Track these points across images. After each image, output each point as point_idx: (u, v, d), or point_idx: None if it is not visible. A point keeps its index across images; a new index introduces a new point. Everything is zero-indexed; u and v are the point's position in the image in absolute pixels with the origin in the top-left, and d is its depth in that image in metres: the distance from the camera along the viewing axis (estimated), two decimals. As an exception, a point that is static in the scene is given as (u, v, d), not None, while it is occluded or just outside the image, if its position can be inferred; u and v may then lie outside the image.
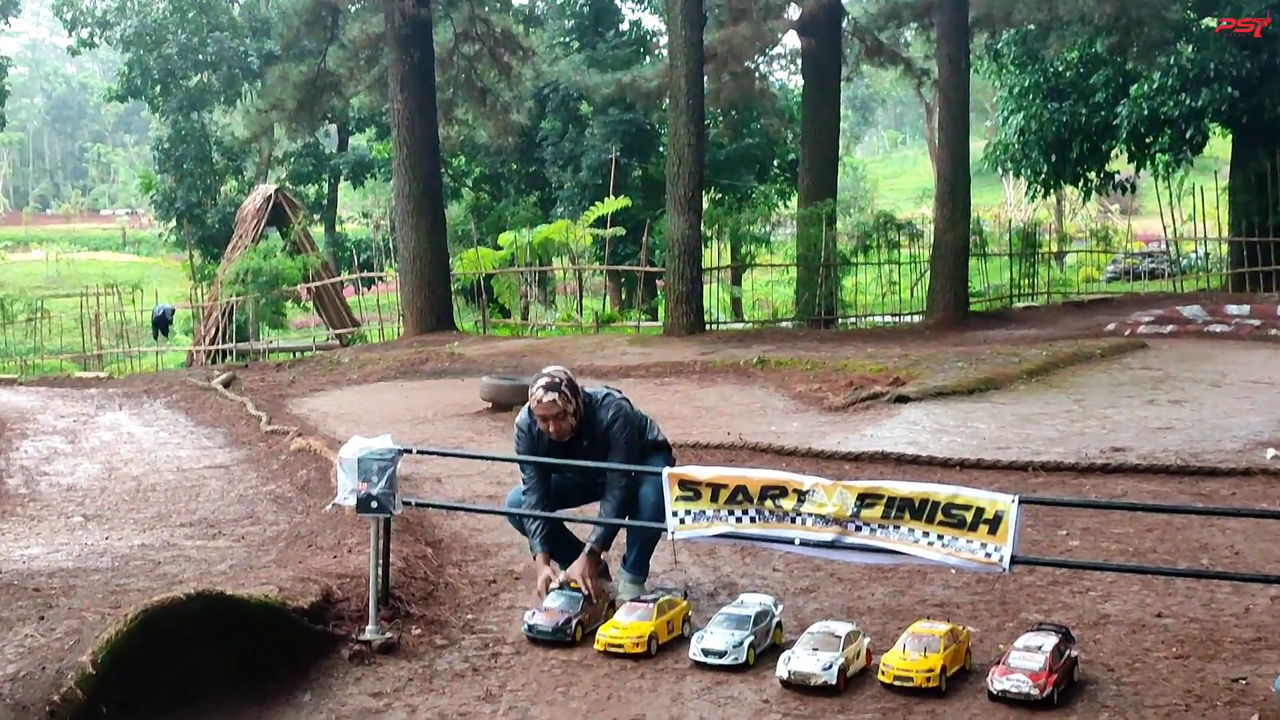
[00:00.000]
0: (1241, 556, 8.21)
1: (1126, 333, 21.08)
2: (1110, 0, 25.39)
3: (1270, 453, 11.28)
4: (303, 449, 12.50)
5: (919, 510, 6.09)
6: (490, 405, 15.48)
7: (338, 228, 52.04)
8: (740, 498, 6.49)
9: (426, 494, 10.41)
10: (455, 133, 35.19)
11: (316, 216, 47.44)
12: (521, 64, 31.25)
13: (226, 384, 19.28)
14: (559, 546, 7.58)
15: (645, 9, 44.32)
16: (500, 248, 32.53)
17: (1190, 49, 28.43)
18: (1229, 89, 27.81)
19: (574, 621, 6.84)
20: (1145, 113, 29.25)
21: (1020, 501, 6.01)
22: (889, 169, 65.54)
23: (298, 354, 29.16)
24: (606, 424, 7.43)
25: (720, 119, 37.69)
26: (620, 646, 6.62)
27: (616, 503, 7.33)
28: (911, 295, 30.39)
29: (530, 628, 6.89)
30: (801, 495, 6.33)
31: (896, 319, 28.18)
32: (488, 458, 11.36)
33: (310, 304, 37.65)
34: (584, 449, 7.43)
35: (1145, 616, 7.09)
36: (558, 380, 7.28)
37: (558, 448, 7.43)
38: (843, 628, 6.37)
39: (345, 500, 7.04)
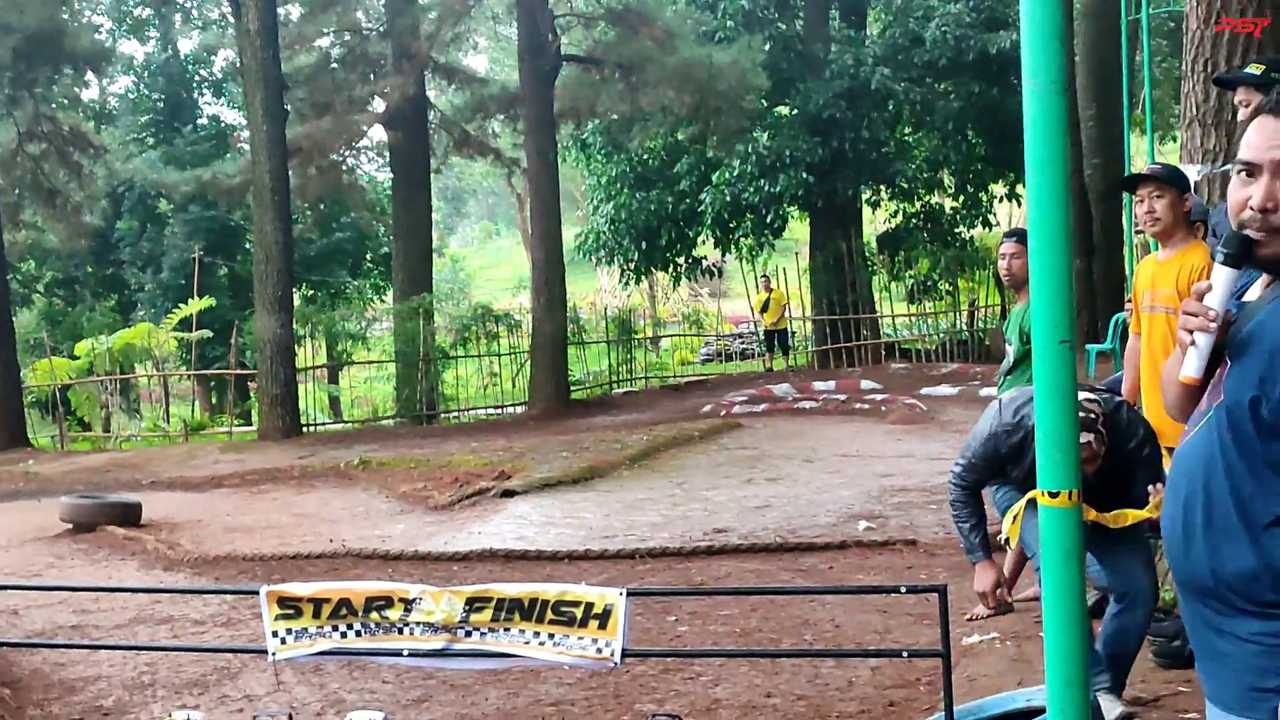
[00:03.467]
0: (842, 630, 8.53)
1: (722, 413, 21.80)
2: (689, 92, 26.41)
3: (862, 525, 11.83)
4: None
5: (529, 610, 6.07)
6: (71, 527, 14.60)
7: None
8: (344, 611, 6.30)
9: (2, 629, 9.74)
10: (23, 236, 33.46)
11: None
12: (93, 162, 30.01)
13: None
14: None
15: (224, 104, 43.46)
16: (77, 356, 31.09)
17: (766, 136, 29.80)
18: (804, 174, 29.29)
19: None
20: (728, 199, 30.30)
21: (628, 594, 6.07)
22: (485, 260, 66.17)
23: None
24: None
25: (309, 214, 37.20)
26: (223, 778, 6.31)
27: None
28: (514, 386, 30.61)
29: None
30: (408, 604, 6.20)
31: (500, 411, 28.34)
32: (70, 588, 10.73)
33: None
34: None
35: (755, 698, 7.26)
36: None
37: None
38: (457, 737, 6.27)
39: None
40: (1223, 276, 2.95)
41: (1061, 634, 2.98)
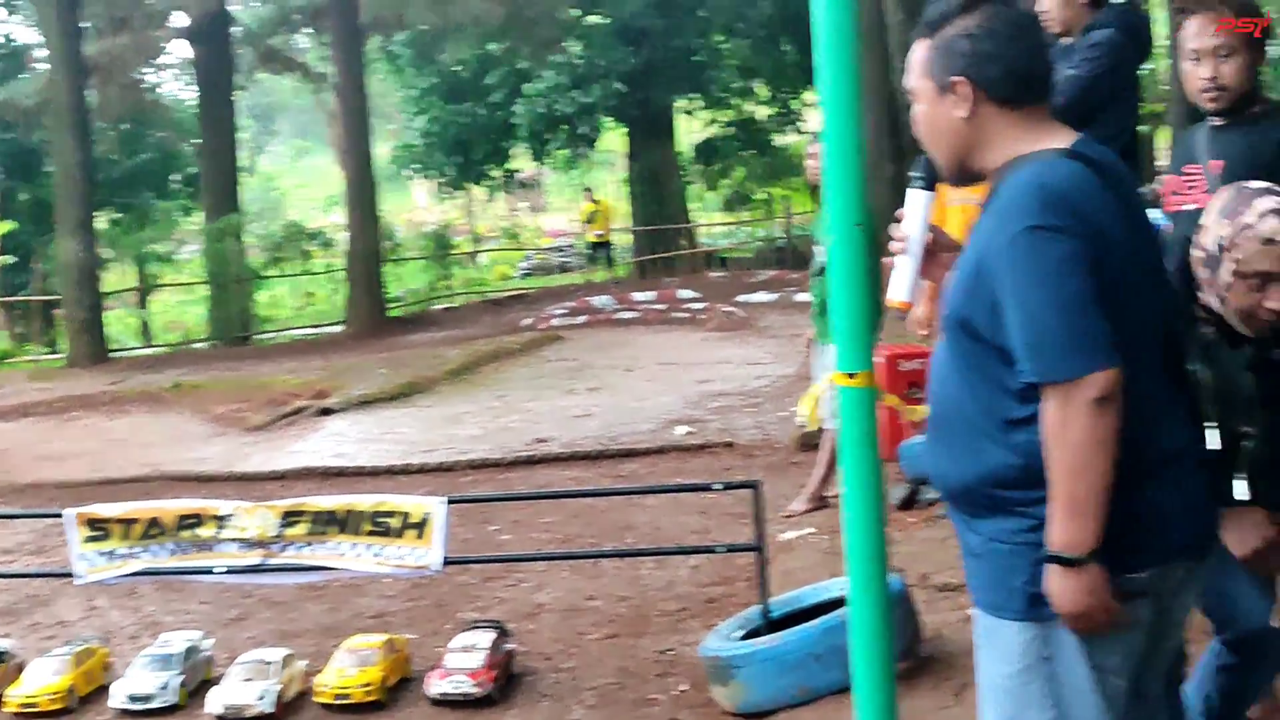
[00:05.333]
0: (662, 531, 8.63)
1: (542, 326, 21.77)
2: (501, 3, 26.14)
3: (681, 429, 11.95)
4: None
5: (345, 522, 6.02)
6: None
7: None
8: (155, 531, 6.18)
9: None
10: None
11: None
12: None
13: None
14: None
15: (18, 20, 41.66)
16: None
17: (579, 46, 29.64)
18: (617, 84, 29.23)
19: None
20: (541, 110, 30.15)
21: (448, 502, 6.07)
22: (298, 178, 64.66)
23: None
24: None
25: (110, 134, 35.93)
26: (35, 705, 6.15)
27: None
28: (330, 305, 30.20)
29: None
30: (221, 521, 6.11)
31: (316, 330, 27.89)
32: None
33: None
34: None
35: (577, 601, 7.32)
36: None
37: None
38: (276, 654, 6.21)
39: None
40: (918, 201, 3.03)
41: (861, 517, 3.04)
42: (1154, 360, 2.71)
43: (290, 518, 6.06)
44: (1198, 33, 3.88)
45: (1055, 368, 2.57)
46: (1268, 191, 3.05)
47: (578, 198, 33.31)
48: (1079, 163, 2.68)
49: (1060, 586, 2.61)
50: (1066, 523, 2.57)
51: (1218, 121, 3.91)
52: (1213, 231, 3.07)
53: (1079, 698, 2.71)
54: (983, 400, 2.72)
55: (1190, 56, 3.93)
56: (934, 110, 2.85)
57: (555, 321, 22.15)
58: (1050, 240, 2.58)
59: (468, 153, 32.43)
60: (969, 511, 2.82)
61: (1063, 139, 2.75)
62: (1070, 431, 2.56)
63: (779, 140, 33.16)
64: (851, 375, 2.99)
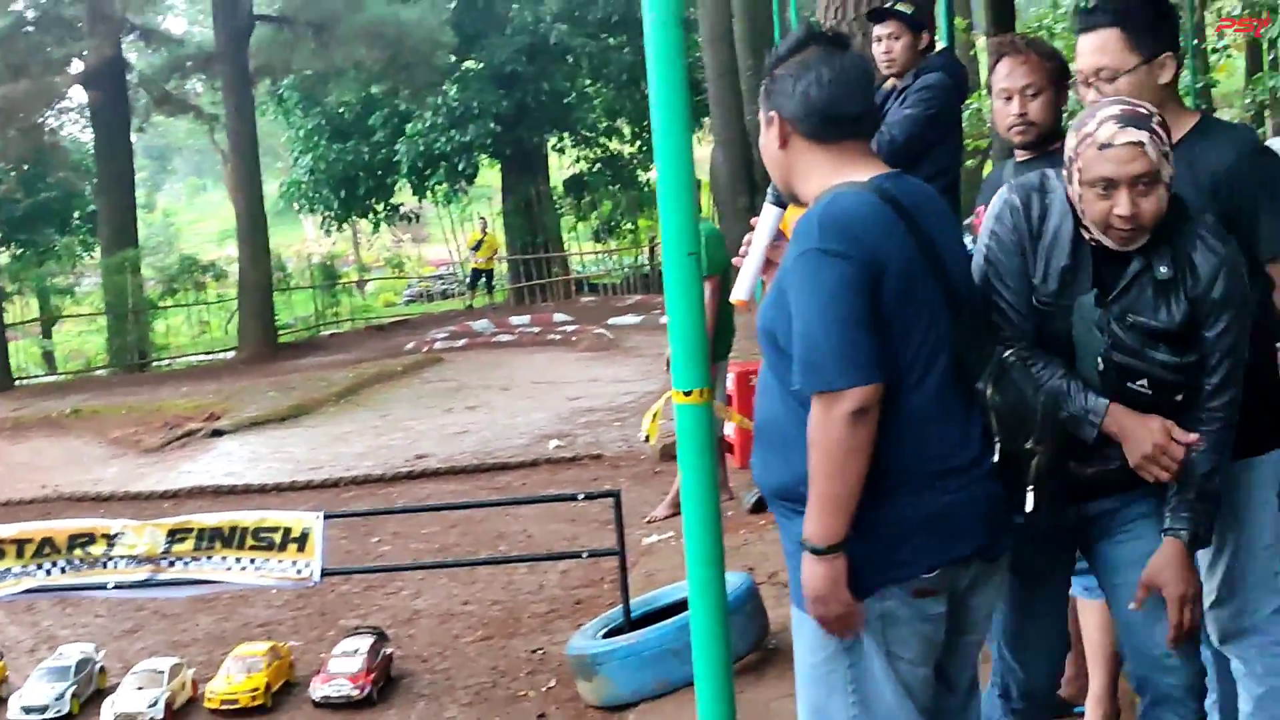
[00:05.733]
0: (534, 539, 8.61)
1: (424, 350, 21.59)
2: (380, 48, 25.98)
3: (553, 444, 11.93)
4: None
5: (229, 538, 5.93)
6: None
7: None
8: (48, 550, 6.04)
9: None
10: None
11: None
12: None
13: None
14: None
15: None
16: None
17: (455, 89, 29.53)
18: (492, 124, 29.20)
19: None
20: (421, 148, 29.97)
21: (326, 517, 6.00)
22: (194, 214, 63.78)
23: None
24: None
25: (12, 174, 35.10)
26: (-70, 722, 5.99)
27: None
28: (224, 333, 29.72)
29: None
30: (111, 539, 5.99)
31: (210, 357, 27.41)
32: None
33: None
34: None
35: (453, 606, 7.28)
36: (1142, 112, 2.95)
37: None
38: (165, 663, 6.11)
39: None
40: (768, 214, 3.14)
41: (698, 524, 3.03)
42: (941, 379, 2.73)
43: (177, 534, 5.95)
44: (1008, 73, 3.94)
45: (819, 379, 2.61)
46: (1115, 102, 2.92)
47: (458, 229, 33.11)
48: (874, 195, 2.71)
49: (809, 573, 2.67)
50: (820, 517, 2.64)
51: (1023, 156, 3.96)
52: (1066, 145, 2.97)
53: (878, 685, 2.74)
54: (791, 409, 2.75)
55: (1001, 95, 3.99)
56: (764, 140, 2.92)
57: (437, 345, 21.98)
58: (827, 263, 2.62)
59: (353, 188, 32.09)
60: (783, 514, 2.85)
61: (867, 173, 2.78)
62: (828, 438, 2.61)
63: (642, 175, 33.24)
64: (687, 393, 2.99)
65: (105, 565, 6.01)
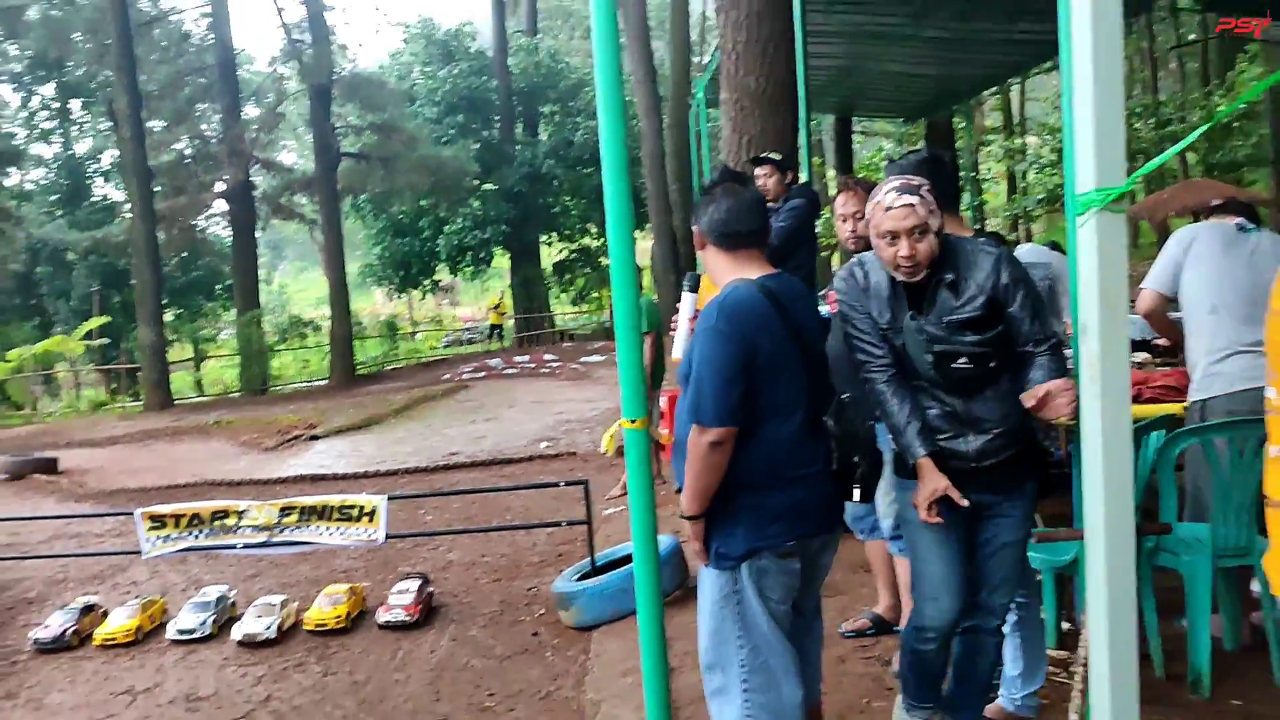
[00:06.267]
0: (530, 511, 8.51)
1: (456, 379, 21.41)
2: (426, 175, 26.00)
3: (543, 444, 11.84)
4: None
5: (322, 512, 5.87)
6: (6, 476, 13.23)
7: None
8: (196, 521, 5.97)
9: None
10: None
11: None
12: (14, 228, 27.31)
13: None
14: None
15: (112, 186, 39.88)
16: (9, 360, 28.12)
17: (478, 203, 29.55)
18: (503, 227, 29.24)
19: (69, 630, 5.97)
20: (455, 243, 30.05)
21: (389, 499, 5.94)
22: (299, 286, 63.29)
23: None
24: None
25: (173, 259, 34.60)
26: (114, 639, 5.87)
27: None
28: (319, 368, 29.38)
29: (35, 641, 5.94)
30: (240, 514, 5.92)
31: (310, 384, 27.09)
32: (6, 519, 9.76)
33: None
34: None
35: (474, 558, 7.21)
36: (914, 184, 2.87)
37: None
38: (277, 598, 6.02)
39: None
40: (686, 300, 3.18)
41: (639, 503, 3.06)
42: (801, 416, 2.73)
43: (286, 511, 5.88)
44: (844, 202, 3.89)
45: (699, 415, 2.63)
46: (899, 176, 2.81)
47: (481, 298, 32.97)
48: (757, 290, 2.71)
49: (689, 532, 2.75)
50: (688, 499, 2.70)
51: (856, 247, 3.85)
52: (867, 211, 2.87)
53: (755, 615, 2.75)
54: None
55: (839, 217, 3.93)
56: (695, 245, 2.90)
57: (465, 376, 21.78)
58: (718, 337, 2.63)
59: (408, 269, 31.99)
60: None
61: (757, 273, 2.77)
62: (695, 455, 2.64)
63: (604, 261, 33.23)
64: (633, 420, 3.00)
65: (235, 531, 5.93)
